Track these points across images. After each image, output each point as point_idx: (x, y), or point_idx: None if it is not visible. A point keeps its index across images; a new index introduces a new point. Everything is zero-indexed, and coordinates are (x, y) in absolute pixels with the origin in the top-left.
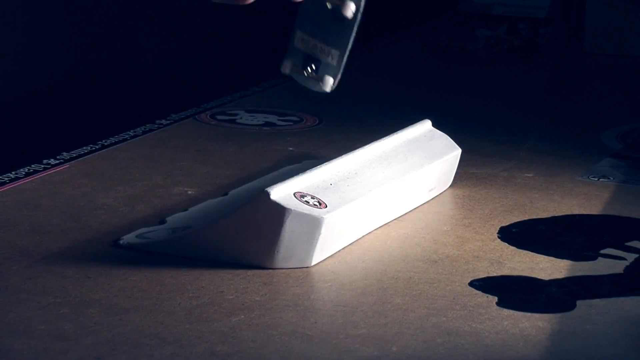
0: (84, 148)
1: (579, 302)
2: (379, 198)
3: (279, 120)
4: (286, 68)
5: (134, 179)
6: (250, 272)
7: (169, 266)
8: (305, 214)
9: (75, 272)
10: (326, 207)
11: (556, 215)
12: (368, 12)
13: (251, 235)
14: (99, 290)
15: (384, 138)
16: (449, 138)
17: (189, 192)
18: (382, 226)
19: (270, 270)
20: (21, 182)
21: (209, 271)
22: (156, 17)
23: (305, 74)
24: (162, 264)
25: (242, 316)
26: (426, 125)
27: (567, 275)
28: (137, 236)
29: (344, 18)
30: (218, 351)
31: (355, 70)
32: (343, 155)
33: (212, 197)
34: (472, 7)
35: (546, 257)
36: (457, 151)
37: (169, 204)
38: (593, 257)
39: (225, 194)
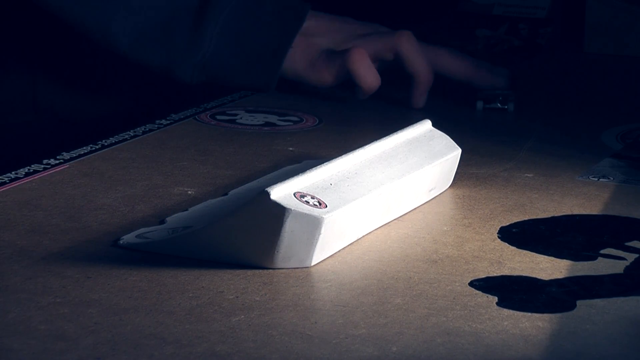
0: (84, 148)
1: (579, 302)
2: (379, 198)
3: (279, 120)
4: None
5: (134, 179)
6: (250, 272)
7: (169, 266)
8: (306, 214)
9: (75, 272)
10: (326, 207)
11: (556, 215)
12: (368, 13)
13: (251, 235)
14: (99, 290)
15: (384, 138)
16: (449, 138)
17: (189, 192)
18: (382, 226)
19: (270, 270)
20: (21, 182)
21: (209, 271)
22: None
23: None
24: (162, 264)
25: (242, 316)
26: (426, 125)
27: (567, 275)
28: (136, 236)
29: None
30: (218, 351)
31: None
32: (343, 155)
33: (212, 197)
34: (472, 7)
35: (546, 257)
36: (457, 151)
37: (169, 204)
38: (593, 257)
39: (225, 194)
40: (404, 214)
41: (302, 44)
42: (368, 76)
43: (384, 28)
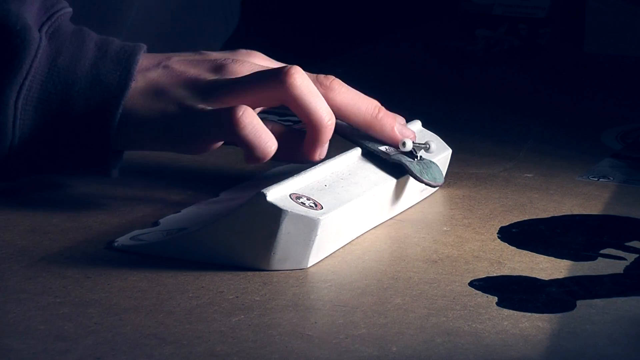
0: None
1: (579, 302)
2: (373, 198)
3: (279, 120)
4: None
5: (134, 179)
6: (249, 273)
7: (169, 266)
8: (302, 215)
9: (75, 272)
10: (322, 208)
11: (556, 215)
12: (368, 12)
13: (247, 237)
14: (98, 290)
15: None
16: (439, 138)
17: (189, 193)
18: (382, 226)
19: (270, 271)
20: (21, 182)
21: (209, 271)
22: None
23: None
24: (161, 264)
25: (242, 316)
26: (416, 125)
27: (567, 275)
28: (131, 238)
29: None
30: (218, 351)
31: (355, 70)
32: (336, 157)
33: (211, 198)
34: (472, 7)
35: (546, 257)
36: (448, 151)
37: (168, 204)
38: (593, 257)
39: (216, 195)
40: (403, 214)
41: (147, 101)
42: (265, 140)
43: (250, 53)
